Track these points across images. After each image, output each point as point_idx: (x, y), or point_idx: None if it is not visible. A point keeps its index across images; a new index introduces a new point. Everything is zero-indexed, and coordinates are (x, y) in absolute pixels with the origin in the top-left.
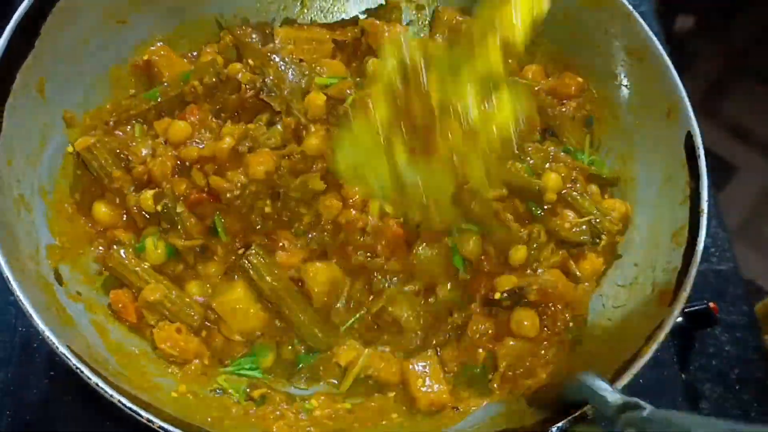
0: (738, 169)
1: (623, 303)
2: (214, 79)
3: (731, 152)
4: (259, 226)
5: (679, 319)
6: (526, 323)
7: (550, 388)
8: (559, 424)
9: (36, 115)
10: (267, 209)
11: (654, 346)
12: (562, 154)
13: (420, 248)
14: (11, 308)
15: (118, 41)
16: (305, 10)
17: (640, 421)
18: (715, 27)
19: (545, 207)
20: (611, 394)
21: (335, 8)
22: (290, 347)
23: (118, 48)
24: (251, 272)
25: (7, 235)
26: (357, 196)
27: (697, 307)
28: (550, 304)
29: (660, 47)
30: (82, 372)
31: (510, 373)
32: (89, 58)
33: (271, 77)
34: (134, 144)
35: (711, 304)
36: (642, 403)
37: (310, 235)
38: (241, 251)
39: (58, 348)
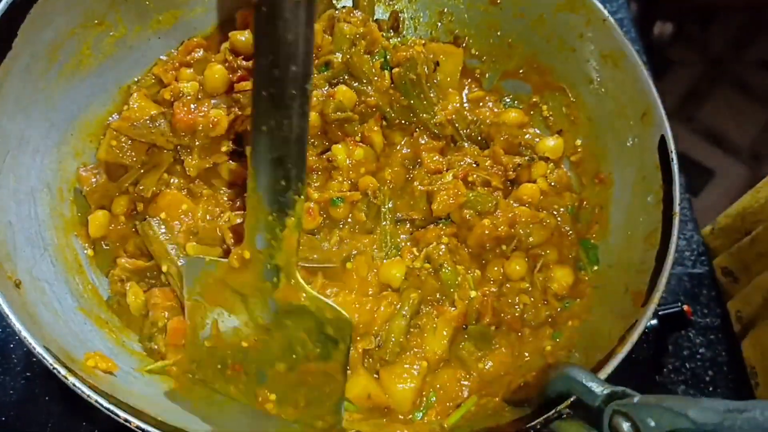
0: (714, 174)
1: (597, 304)
2: None
3: (708, 157)
4: None
5: (654, 321)
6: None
7: (529, 386)
8: (533, 423)
9: (13, 118)
10: None
11: (627, 347)
12: None
13: None
14: None
15: (97, 42)
16: None
17: (632, 408)
18: (693, 34)
19: None
20: (597, 384)
21: None
22: None
23: (97, 48)
24: None
25: None
26: None
27: (671, 310)
28: None
29: (634, 52)
30: (59, 372)
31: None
32: (67, 60)
33: None
34: None
35: (685, 307)
36: (630, 391)
37: None
38: None
39: (35, 348)
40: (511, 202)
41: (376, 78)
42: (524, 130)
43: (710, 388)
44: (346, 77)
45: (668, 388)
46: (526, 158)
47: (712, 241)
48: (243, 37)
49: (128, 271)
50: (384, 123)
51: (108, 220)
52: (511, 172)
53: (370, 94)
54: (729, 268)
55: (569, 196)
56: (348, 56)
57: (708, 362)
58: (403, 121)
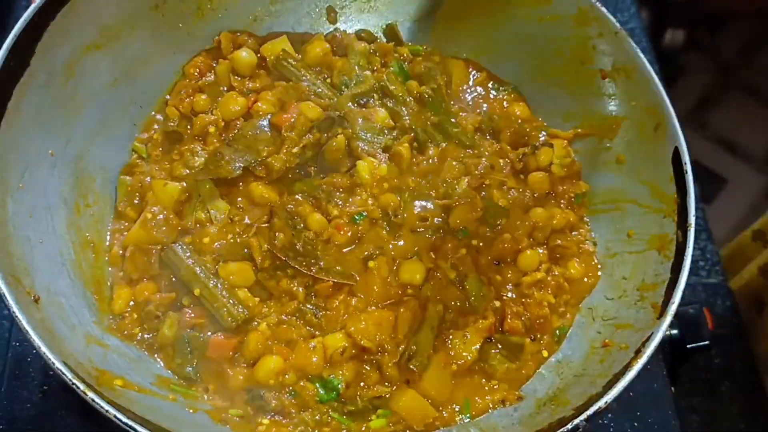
0: (727, 182)
1: (613, 316)
2: None
3: (720, 165)
4: None
5: (675, 331)
6: None
7: None
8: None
9: (31, 134)
10: None
11: (643, 359)
12: None
13: None
14: (5, 322)
15: (113, 59)
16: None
17: None
18: (705, 41)
19: None
20: None
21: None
22: None
23: (113, 65)
24: None
25: (1, 251)
26: None
27: (691, 311)
28: None
29: (648, 65)
30: (77, 388)
31: None
32: (84, 76)
33: None
34: None
35: (705, 310)
36: None
37: None
38: None
39: (54, 364)
40: (526, 193)
41: (409, 98)
42: (530, 123)
43: (726, 399)
44: (375, 96)
45: (684, 399)
46: (529, 147)
47: None
48: (245, 53)
49: (163, 305)
50: (415, 144)
51: (130, 297)
52: (518, 163)
53: (404, 116)
54: (763, 230)
55: (582, 184)
56: (382, 81)
57: (723, 372)
58: (435, 140)
